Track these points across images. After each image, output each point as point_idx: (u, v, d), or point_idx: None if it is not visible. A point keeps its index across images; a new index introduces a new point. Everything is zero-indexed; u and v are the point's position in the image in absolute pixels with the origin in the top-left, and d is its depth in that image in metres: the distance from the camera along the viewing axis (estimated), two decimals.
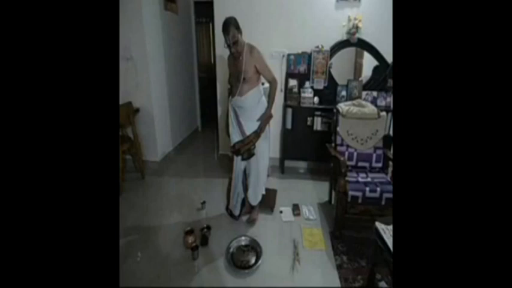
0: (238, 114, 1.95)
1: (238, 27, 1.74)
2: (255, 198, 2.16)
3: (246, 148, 1.93)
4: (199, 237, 1.94)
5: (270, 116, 1.97)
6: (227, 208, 2.25)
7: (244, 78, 1.81)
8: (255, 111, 1.92)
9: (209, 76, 4.36)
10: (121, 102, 2.74)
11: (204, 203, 2.35)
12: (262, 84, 2.00)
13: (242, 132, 1.94)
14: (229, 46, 1.76)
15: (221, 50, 3.00)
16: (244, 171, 2.14)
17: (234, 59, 1.86)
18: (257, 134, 1.92)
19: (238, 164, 2.06)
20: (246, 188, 2.18)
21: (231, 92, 1.97)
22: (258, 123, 1.93)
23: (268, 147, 2.10)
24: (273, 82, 1.88)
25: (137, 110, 2.87)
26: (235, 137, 1.96)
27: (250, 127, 1.93)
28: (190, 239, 1.88)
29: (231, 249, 1.86)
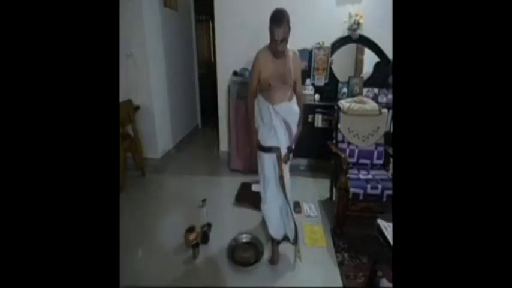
0: (288, 121, 1.68)
1: (289, 23, 1.49)
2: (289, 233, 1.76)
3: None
4: (200, 235, 1.94)
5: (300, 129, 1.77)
6: (276, 240, 1.79)
7: (295, 83, 1.65)
8: (297, 118, 1.72)
9: (209, 73, 4.34)
10: (121, 99, 2.73)
11: (204, 200, 2.35)
12: None
13: (291, 137, 1.71)
14: (275, 42, 1.48)
15: (221, 47, 2.98)
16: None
17: (276, 58, 1.58)
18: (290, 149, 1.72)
19: (287, 171, 1.74)
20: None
21: (271, 98, 1.63)
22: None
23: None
24: (302, 94, 1.75)
25: (137, 108, 2.86)
26: (285, 144, 1.68)
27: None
28: (191, 236, 1.88)
29: (232, 247, 1.87)
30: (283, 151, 1.67)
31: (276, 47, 1.50)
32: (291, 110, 1.68)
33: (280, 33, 1.45)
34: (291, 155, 1.73)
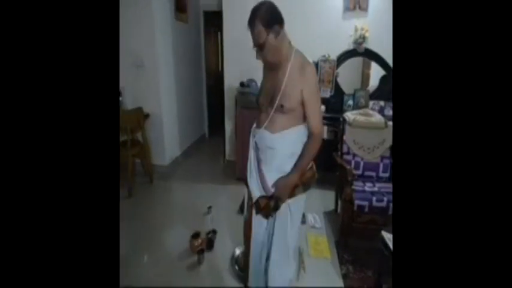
0: (260, 157, 1.25)
1: (270, 22, 1.05)
2: (278, 282, 1.33)
3: (272, 206, 1.22)
4: (205, 241, 1.96)
5: (289, 187, 1.18)
6: None
7: (282, 106, 1.12)
8: (291, 161, 1.19)
9: (217, 84, 4.43)
10: (132, 107, 2.82)
11: (210, 207, 2.37)
12: None
13: (264, 185, 1.23)
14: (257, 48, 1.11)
15: (229, 58, 3.06)
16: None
17: (269, 69, 1.21)
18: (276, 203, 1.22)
19: (261, 227, 1.30)
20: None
21: (257, 119, 1.28)
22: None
23: (302, 208, 1.34)
24: (317, 133, 1.15)
25: (147, 115, 2.94)
26: (256, 189, 1.26)
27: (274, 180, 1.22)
28: (196, 242, 1.90)
29: (237, 253, 1.87)
30: (254, 193, 1.25)
31: (257, 57, 1.15)
32: (267, 142, 1.19)
33: (253, 39, 1.09)
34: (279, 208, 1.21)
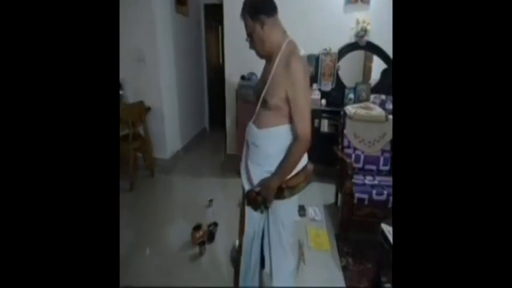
0: (248, 151, 1.22)
1: (255, 12, 1.02)
2: (279, 279, 1.28)
3: (260, 201, 1.16)
4: (207, 233, 1.99)
5: (271, 190, 1.11)
6: None
7: (265, 102, 1.07)
8: (276, 160, 1.12)
9: (218, 78, 4.41)
10: (133, 101, 2.82)
11: (211, 200, 2.39)
12: None
13: (249, 178, 1.20)
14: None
15: (230, 52, 3.04)
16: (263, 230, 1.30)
17: (266, 61, 1.16)
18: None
19: (253, 219, 1.26)
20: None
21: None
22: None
23: (294, 210, 1.34)
24: (303, 136, 1.04)
25: (148, 109, 2.94)
26: (245, 181, 1.22)
27: (259, 177, 1.16)
28: (198, 234, 1.92)
29: (237, 245, 1.90)
30: (244, 186, 1.21)
31: (249, 46, 1.12)
32: (252, 138, 1.16)
33: (245, 25, 1.08)
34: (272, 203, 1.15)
